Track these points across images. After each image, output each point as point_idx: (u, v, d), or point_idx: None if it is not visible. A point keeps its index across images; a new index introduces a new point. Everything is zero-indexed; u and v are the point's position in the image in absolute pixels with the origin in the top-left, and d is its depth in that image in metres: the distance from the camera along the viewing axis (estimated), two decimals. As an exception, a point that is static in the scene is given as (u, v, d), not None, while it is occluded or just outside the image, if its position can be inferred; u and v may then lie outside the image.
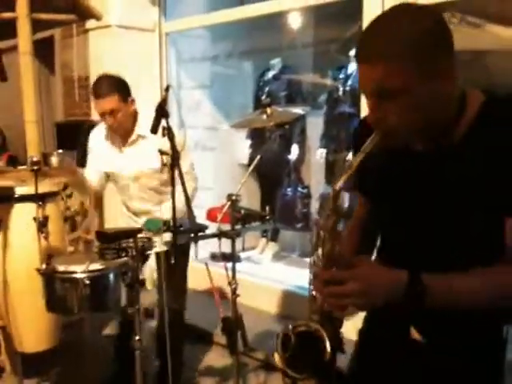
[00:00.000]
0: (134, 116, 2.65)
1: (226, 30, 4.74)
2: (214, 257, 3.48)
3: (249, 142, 4.87)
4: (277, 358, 1.20)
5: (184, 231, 2.20)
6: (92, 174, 2.77)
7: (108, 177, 2.82)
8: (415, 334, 1.23)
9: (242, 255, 4.50)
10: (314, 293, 1.20)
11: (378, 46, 1.03)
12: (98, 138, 2.78)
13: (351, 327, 1.47)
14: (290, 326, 1.20)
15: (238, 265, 2.48)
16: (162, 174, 2.62)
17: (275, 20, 4.55)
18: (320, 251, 1.17)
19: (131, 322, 2.23)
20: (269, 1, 3.91)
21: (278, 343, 1.20)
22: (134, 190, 2.73)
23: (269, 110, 2.44)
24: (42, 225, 2.33)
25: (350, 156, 3.85)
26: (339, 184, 1.13)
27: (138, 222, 2.77)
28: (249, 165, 4.86)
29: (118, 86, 2.53)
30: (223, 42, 5.00)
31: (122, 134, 2.66)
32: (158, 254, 2.50)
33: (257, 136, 4.75)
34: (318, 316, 1.20)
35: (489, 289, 1.08)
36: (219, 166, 5.01)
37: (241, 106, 5.09)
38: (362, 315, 1.39)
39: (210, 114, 5.01)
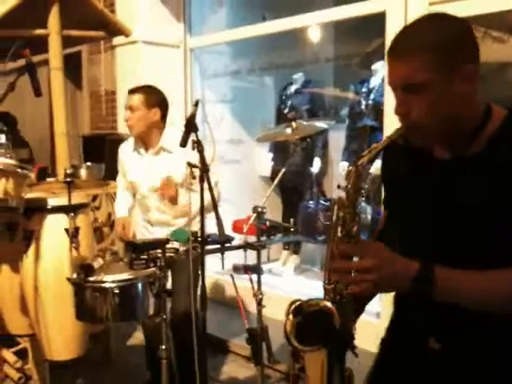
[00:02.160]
0: (157, 127, 2.76)
1: (247, 45, 4.81)
2: (237, 268, 3.51)
3: (271, 155, 4.91)
4: (288, 324, 1.21)
5: (211, 242, 2.25)
6: (121, 203, 2.97)
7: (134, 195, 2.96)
8: (433, 343, 1.24)
9: (264, 267, 4.51)
10: (328, 273, 1.23)
11: (408, 43, 1.13)
12: (127, 148, 2.90)
13: (371, 339, 1.49)
14: (303, 300, 1.23)
15: (261, 277, 2.51)
16: (182, 188, 2.69)
17: (296, 35, 4.61)
18: (339, 231, 1.19)
19: (158, 333, 2.27)
20: (290, 17, 3.97)
21: (289, 310, 1.22)
22: (154, 201, 2.80)
23: (294, 124, 2.50)
24: (74, 235, 2.39)
25: (373, 169, 3.88)
26: (362, 161, 1.17)
27: (153, 233, 2.82)
28: (271, 177, 4.91)
29: (148, 91, 2.75)
30: (245, 58, 5.08)
31: (133, 135, 2.80)
32: (177, 265, 2.55)
33: (279, 149, 4.79)
34: (331, 296, 1.22)
35: (500, 289, 1.11)
36: (241, 179, 5.06)
37: (263, 120, 5.14)
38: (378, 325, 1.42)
39: (232, 128, 5.07)
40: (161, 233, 2.70)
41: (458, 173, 1.19)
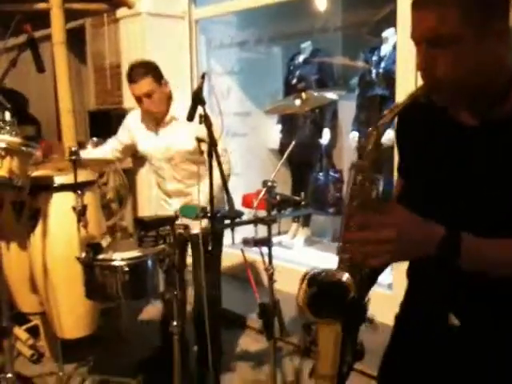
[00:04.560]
0: (169, 98, 2.73)
1: (254, 15, 4.70)
2: (246, 242, 3.47)
3: (279, 127, 4.83)
4: (301, 294, 1.18)
5: (221, 217, 2.21)
6: (115, 140, 2.92)
7: (133, 149, 2.92)
8: (453, 320, 1.20)
9: (274, 240, 4.49)
10: (343, 242, 1.18)
11: None
12: (135, 118, 2.86)
13: (384, 311, 1.46)
14: (317, 270, 1.19)
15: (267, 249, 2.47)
16: (195, 155, 2.66)
17: (304, 4, 4.50)
18: (356, 197, 1.14)
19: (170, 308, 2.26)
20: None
21: (303, 280, 1.19)
22: (168, 171, 2.79)
23: (304, 95, 2.42)
24: (81, 214, 2.36)
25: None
26: (383, 121, 1.12)
27: (171, 205, 2.80)
28: (280, 150, 4.84)
29: (150, 69, 2.65)
30: (252, 28, 4.96)
31: (156, 116, 2.73)
32: (193, 241, 2.52)
33: (288, 121, 4.71)
34: (346, 266, 1.17)
35: None
36: (250, 152, 5.00)
37: (271, 91, 5.05)
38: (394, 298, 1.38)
39: (239, 100, 4.99)
40: (179, 203, 2.71)
41: (485, 139, 1.12)
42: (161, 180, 2.86)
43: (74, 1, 3.21)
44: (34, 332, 3.20)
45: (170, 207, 2.81)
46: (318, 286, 1.17)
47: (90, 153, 2.87)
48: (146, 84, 2.60)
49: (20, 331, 3.16)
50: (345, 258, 1.19)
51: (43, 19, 3.18)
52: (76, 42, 5.19)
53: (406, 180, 1.36)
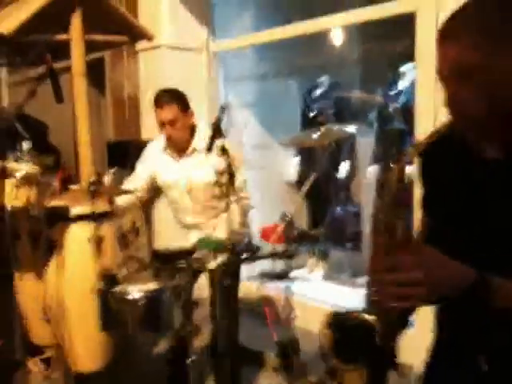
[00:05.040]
0: (192, 129, 2.74)
1: (272, 48, 4.73)
2: (264, 275, 3.42)
3: (297, 159, 4.81)
4: (325, 339, 1.12)
5: (239, 252, 2.17)
6: (137, 179, 2.87)
7: (155, 186, 2.89)
8: (482, 364, 1.15)
9: (291, 274, 4.42)
10: (369, 285, 1.12)
11: (454, 25, 1.07)
12: (155, 150, 2.85)
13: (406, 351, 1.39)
14: (342, 312, 1.14)
15: (288, 284, 2.42)
16: (215, 188, 2.64)
17: (321, 37, 4.52)
18: (381, 235, 1.09)
19: (183, 343, 2.21)
20: (315, 19, 3.88)
21: (327, 323, 1.13)
22: (187, 203, 2.75)
23: (322, 129, 2.40)
24: (97, 245, 2.33)
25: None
26: (406, 157, 1.08)
27: (189, 239, 2.76)
28: (297, 183, 4.81)
29: (177, 97, 2.68)
30: (269, 61, 4.99)
31: (179, 145, 2.73)
32: (211, 274, 2.48)
33: (306, 154, 4.70)
34: (374, 308, 1.12)
35: None
36: (266, 185, 4.96)
37: (287, 124, 5.05)
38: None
39: (256, 133, 4.98)
40: (197, 237, 2.66)
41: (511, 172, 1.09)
42: (179, 212, 2.83)
43: (94, 32, 3.24)
44: (48, 363, 3.14)
45: (188, 241, 2.77)
46: (344, 330, 1.13)
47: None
48: (171, 111, 2.62)
49: (34, 363, 3.10)
50: (371, 301, 1.14)
51: (63, 50, 3.22)
52: (95, 73, 5.24)
53: (431, 217, 1.32)
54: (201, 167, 2.65)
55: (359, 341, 1.12)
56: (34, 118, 5.19)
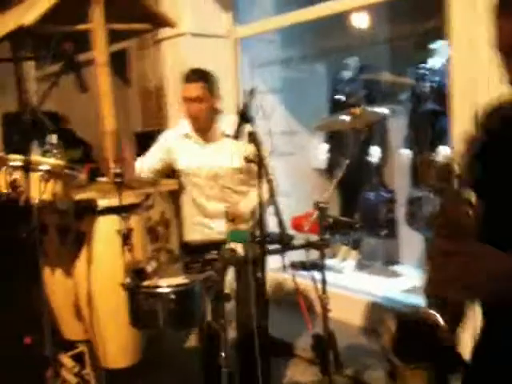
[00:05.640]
0: (216, 113, 2.64)
1: (297, 31, 4.61)
2: (294, 265, 3.32)
3: (326, 145, 4.69)
4: (386, 339, 1.04)
5: (271, 242, 2.09)
6: (149, 158, 2.78)
7: (166, 169, 2.80)
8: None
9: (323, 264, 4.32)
10: (428, 275, 1.04)
11: None
12: (173, 136, 2.75)
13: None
14: (402, 309, 1.06)
15: (318, 274, 2.33)
16: (242, 174, 2.59)
17: (347, 18, 4.38)
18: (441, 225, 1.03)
19: (214, 337, 2.15)
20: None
21: (388, 322, 1.05)
22: (213, 190, 2.67)
23: (357, 111, 2.29)
24: (126, 237, 2.27)
25: (441, 157, 3.61)
26: (472, 137, 1.01)
27: (214, 228, 2.68)
28: (327, 169, 4.70)
29: (207, 77, 2.60)
30: (295, 45, 4.88)
31: (201, 126, 2.63)
32: (242, 267, 2.41)
33: (335, 139, 4.57)
34: (433, 301, 1.04)
35: None
36: (295, 172, 4.87)
37: (315, 109, 4.93)
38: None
39: (283, 119, 4.89)
40: (221, 225, 2.60)
41: None
42: (201, 200, 2.73)
43: (116, 21, 3.19)
44: (79, 358, 3.13)
45: (212, 230, 2.69)
46: (406, 327, 1.04)
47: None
48: (198, 88, 2.54)
49: (65, 358, 3.08)
50: (432, 297, 1.05)
51: (86, 42, 3.18)
52: (120, 64, 5.22)
53: (488, 199, 1.20)
54: (227, 153, 2.57)
55: (423, 338, 1.04)
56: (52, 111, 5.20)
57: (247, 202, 2.59)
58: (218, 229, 2.63)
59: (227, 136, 2.58)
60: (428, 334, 1.02)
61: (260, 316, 2.52)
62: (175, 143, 2.73)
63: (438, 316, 1.02)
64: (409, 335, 1.04)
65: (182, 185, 2.84)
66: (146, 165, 2.79)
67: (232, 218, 2.54)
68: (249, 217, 2.60)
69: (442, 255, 0.96)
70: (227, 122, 2.61)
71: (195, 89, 2.54)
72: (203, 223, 2.75)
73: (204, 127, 2.63)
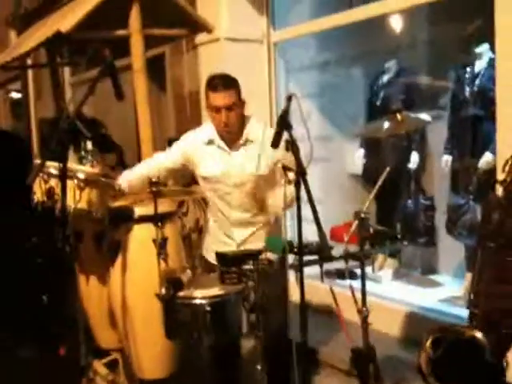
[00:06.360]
0: (244, 119, 2.57)
1: (334, 35, 4.53)
2: (330, 273, 3.24)
3: (362, 151, 4.59)
4: (424, 359, 0.98)
5: (310, 253, 2.03)
6: (164, 156, 2.70)
7: (174, 172, 2.71)
8: None
9: (358, 272, 4.23)
10: (475, 295, 0.97)
11: None
12: (195, 140, 2.65)
13: None
14: (443, 328, 0.99)
15: (354, 283, 2.25)
16: (268, 181, 2.51)
17: (386, 20, 4.28)
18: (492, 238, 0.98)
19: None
20: (379, 1, 3.66)
21: (427, 341, 0.99)
22: (236, 197, 2.57)
23: (399, 116, 2.21)
24: (161, 246, 2.24)
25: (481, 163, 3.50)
26: None
27: (234, 239, 2.59)
28: (363, 175, 4.60)
29: (236, 83, 2.51)
30: (332, 48, 4.80)
31: (232, 134, 2.55)
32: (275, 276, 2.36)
33: (372, 145, 4.47)
34: (480, 323, 0.97)
35: None
36: (330, 178, 4.79)
37: (351, 114, 4.84)
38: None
39: (319, 124, 4.81)
40: (242, 234, 2.55)
41: None
42: (225, 208, 2.61)
43: (153, 27, 3.18)
44: (113, 367, 3.12)
45: (233, 240, 2.59)
46: (445, 346, 0.97)
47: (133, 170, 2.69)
48: (232, 96, 2.45)
49: (100, 365, 3.08)
50: (478, 314, 0.98)
51: (122, 48, 3.17)
52: (155, 69, 5.23)
53: None
54: (253, 159, 2.47)
55: (463, 359, 0.96)
56: (90, 116, 5.24)
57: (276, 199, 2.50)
58: (239, 238, 2.56)
59: (251, 141, 2.52)
60: (469, 354, 0.95)
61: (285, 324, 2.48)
62: (196, 148, 2.63)
63: (480, 335, 0.96)
64: (448, 355, 0.97)
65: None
66: (154, 161, 2.71)
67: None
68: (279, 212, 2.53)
69: (497, 282, 0.89)
70: (252, 126, 2.55)
71: (227, 97, 2.45)
72: (225, 234, 2.65)
73: (233, 134, 2.56)
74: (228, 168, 2.55)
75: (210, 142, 2.59)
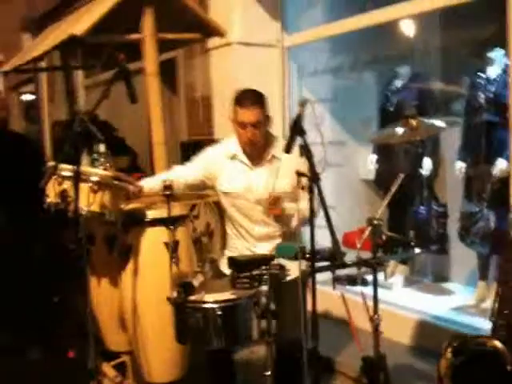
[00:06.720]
0: (269, 136, 2.56)
1: (347, 40, 4.52)
2: (340, 279, 3.20)
3: (375, 156, 4.57)
4: (443, 365, 0.97)
5: (322, 259, 2.01)
6: (185, 169, 2.68)
7: (194, 185, 2.67)
8: None
9: (369, 279, 4.20)
10: (497, 305, 0.96)
11: None
12: (219, 155, 2.63)
13: None
14: (466, 337, 0.98)
15: (365, 289, 2.23)
16: (291, 196, 2.47)
17: (399, 25, 4.26)
18: None
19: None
20: (392, 6, 3.64)
21: (448, 348, 0.97)
22: (258, 213, 2.55)
23: (414, 122, 2.19)
24: (173, 250, 2.24)
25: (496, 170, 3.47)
26: None
27: (256, 252, 2.57)
28: (376, 181, 4.57)
29: (263, 100, 2.51)
30: (345, 53, 4.79)
31: (256, 150, 2.54)
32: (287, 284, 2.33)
33: (385, 150, 4.44)
34: (503, 334, 0.96)
35: None
36: (342, 183, 4.77)
37: (364, 119, 4.83)
38: None
39: (332, 129, 4.80)
40: (267, 248, 2.49)
41: None
42: (247, 223, 2.59)
43: (166, 31, 3.19)
44: (122, 370, 3.11)
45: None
46: (466, 355, 0.96)
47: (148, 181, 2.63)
48: (257, 112, 2.44)
49: (108, 368, 3.08)
50: (501, 324, 0.97)
51: (135, 52, 3.18)
52: (168, 73, 5.25)
53: None
54: (278, 176, 2.45)
55: (484, 367, 0.95)
56: (102, 119, 5.26)
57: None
58: (260, 252, 2.52)
59: (277, 158, 2.51)
60: (491, 364, 0.94)
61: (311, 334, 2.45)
62: (219, 163, 2.61)
63: (501, 344, 0.94)
64: (469, 364, 0.96)
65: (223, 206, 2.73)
66: (181, 175, 2.66)
67: (273, 201, 2.42)
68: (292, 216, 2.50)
69: None
70: (280, 144, 2.50)
71: (254, 114, 2.44)
72: (245, 246, 2.62)
73: (256, 150, 2.55)
74: (250, 184, 2.54)
75: (233, 157, 2.58)
